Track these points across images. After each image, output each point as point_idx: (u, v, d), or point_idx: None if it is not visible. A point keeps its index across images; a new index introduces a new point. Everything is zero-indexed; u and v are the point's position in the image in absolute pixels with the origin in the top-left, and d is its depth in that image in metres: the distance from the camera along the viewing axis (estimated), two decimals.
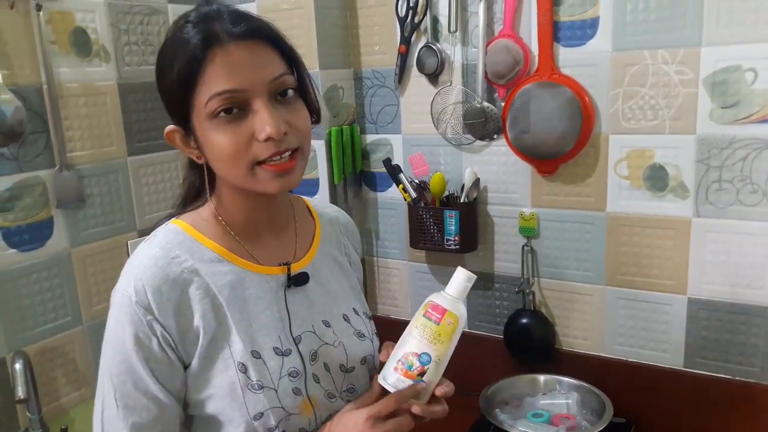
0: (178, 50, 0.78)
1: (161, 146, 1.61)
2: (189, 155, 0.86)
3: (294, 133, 0.80)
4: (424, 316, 0.83)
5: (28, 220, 1.34)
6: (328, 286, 0.94)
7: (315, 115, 0.88)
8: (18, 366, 1.23)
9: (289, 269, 0.89)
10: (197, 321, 0.81)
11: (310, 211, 1.01)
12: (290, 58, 0.83)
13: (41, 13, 1.32)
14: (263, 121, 0.77)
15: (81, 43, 1.42)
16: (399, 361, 0.82)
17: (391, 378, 0.82)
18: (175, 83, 0.79)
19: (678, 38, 1.34)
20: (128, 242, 1.53)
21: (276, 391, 0.83)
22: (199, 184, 0.91)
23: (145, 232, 1.57)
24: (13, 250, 1.31)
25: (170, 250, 0.83)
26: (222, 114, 0.77)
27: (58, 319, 1.40)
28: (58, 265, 1.39)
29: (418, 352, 0.81)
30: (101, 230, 1.48)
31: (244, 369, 0.81)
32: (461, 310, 0.83)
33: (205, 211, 0.88)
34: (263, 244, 0.90)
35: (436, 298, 0.84)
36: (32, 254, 1.35)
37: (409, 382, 0.81)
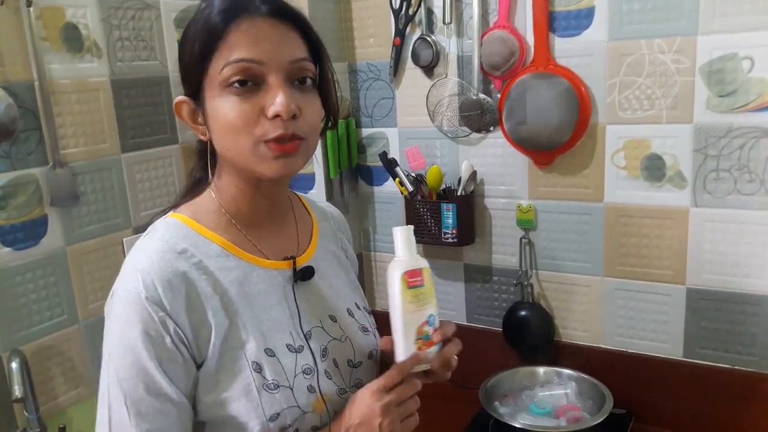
0: (204, 19, 0.78)
1: (155, 142, 1.60)
2: (194, 131, 0.84)
3: (302, 121, 0.78)
4: (409, 288, 0.82)
5: (22, 218, 1.32)
6: (330, 281, 0.93)
7: (332, 118, 0.87)
8: (14, 365, 1.22)
9: (294, 263, 0.87)
10: (209, 318, 0.78)
11: (304, 206, 1.00)
12: (316, 50, 0.82)
13: (31, 8, 1.30)
14: (274, 96, 0.75)
15: (72, 38, 1.40)
16: (418, 339, 0.82)
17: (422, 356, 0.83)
18: (195, 51, 0.77)
19: (674, 27, 1.33)
20: (123, 239, 1.52)
21: (292, 389, 0.80)
22: (199, 175, 0.89)
23: (140, 229, 1.56)
24: (8, 249, 1.30)
25: (176, 244, 0.79)
26: (236, 84, 0.75)
27: (53, 318, 1.39)
28: (53, 264, 1.38)
29: (426, 320, 0.82)
30: (96, 228, 1.46)
31: (259, 369, 0.79)
32: (424, 261, 0.84)
33: (206, 200, 0.86)
34: (266, 236, 0.87)
35: (402, 267, 0.83)
36: (27, 252, 1.33)
37: (435, 349, 0.83)
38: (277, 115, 0.75)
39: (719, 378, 1.43)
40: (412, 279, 0.82)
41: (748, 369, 1.40)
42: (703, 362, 1.45)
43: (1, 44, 1.28)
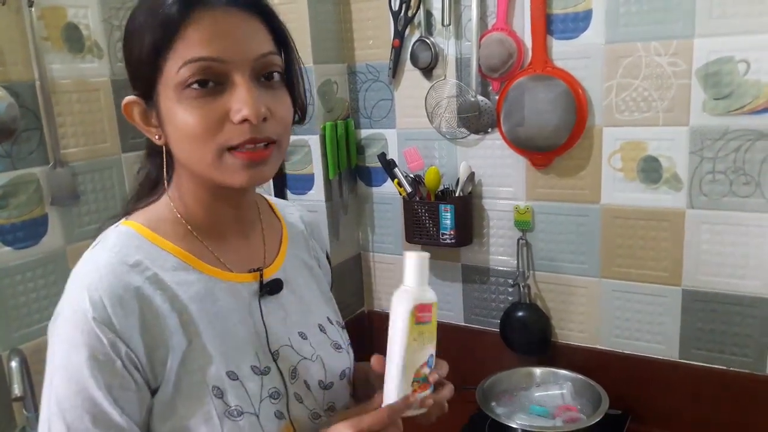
0: (154, 9, 0.68)
1: None
2: (146, 134, 0.74)
3: (273, 123, 0.70)
4: (416, 323, 0.73)
5: (23, 217, 1.33)
6: (300, 294, 0.85)
7: (300, 112, 0.78)
8: (14, 364, 1.22)
9: (261, 276, 0.79)
10: (166, 339, 0.70)
11: (273, 211, 0.91)
12: (281, 40, 0.75)
13: (33, 9, 1.31)
14: (241, 100, 0.67)
15: (73, 39, 1.41)
16: (414, 381, 0.74)
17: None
18: (144, 44, 0.68)
19: (670, 30, 1.34)
20: None
21: (257, 416, 0.73)
22: (155, 175, 0.80)
23: None
24: (8, 248, 1.31)
25: (127, 256, 0.71)
26: (195, 86, 0.67)
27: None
28: (53, 263, 1.39)
29: (425, 360, 0.75)
30: (96, 227, 1.47)
31: (220, 394, 0.71)
32: (433, 293, 0.75)
33: (162, 207, 0.77)
34: (230, 247, 0.79)
35: (413, 299, 0.73)
36: (27, 252, 1.34)
37: (428, 392, 0.75)
38: (245, 120, 0.67)
39: (715, 379, 1.43)
40: (421, 314, 0.73)
41: (744, 370, 1.41)
42: (698, 363, 1.46)
43: (3, 44, 1.28)
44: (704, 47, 1.32)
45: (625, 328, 1.53)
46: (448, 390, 0.78)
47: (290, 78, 0.75)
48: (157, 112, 0.72)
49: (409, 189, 1.66)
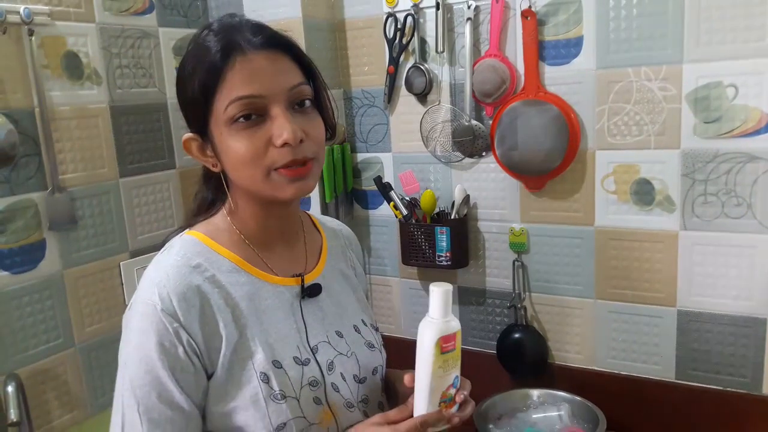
0: (200, 58, 0.81)
1: (153, 167, 1.62)
2: (204, 163, 0.87)
3: (309, 143, 0.82)
4: (442, 353, 0.80)
5: (21, 242, 1.34)
6: (338, 298, 0.96)
7: (330, 130, 0.90)
8: (10, 389, 1.22)
9: (302, 280, 0.91)
10: (221, 330, 0.81)
11: (315, 225, 1.03)
12: (308, 71, 0.86)
13: (33, 37, 1.33)
14: (281, 126, 0.79)
15: (73, 66, 1.43)
16: (441, 402, 0.82)
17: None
18: (195, 90, 0.81)
19: (660, 56, 1.37)
20: (121, 263, 1.54)
21: (298, 400, 0.83)
22: (212, 198, 0.92)
23: (137, 253, 1.58)
24: (6, 273, 1.31)
25: (191, 259, 0.83)
26: (241, 120, 0.79)
27: (50, 341, 1.39)
28: (50, 287, 1.39)
29: (451, 382, 0.83)
30: (93, 252, 1.48)
31: (266, 379, 0.82)
32: (458, 324, 0.83)
33: (219, 220, 0.90)
34: (276, 254, 0.91)
35: (438, 330, 0.80)
36: (24, 276, 1.35)
37: (454, 409, 0.84)
38: (285, 143, 0.79)
39: (711, 399, 1.44)
40: (446, 344, 0.81)
41: (740, 390, 1.41)
42: (695, 384, 1.46)
43: (3, 72, 1.30)
44: (693, 72, 1.34)
45: (621, 350, 1.54)
46: (470, 407, 0.88)
47: (320, 102, 0.87)
48: (212, 144, 0.84)
49: (405, 212, 1.68)
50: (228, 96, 0.79)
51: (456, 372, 0.83)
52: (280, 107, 0.80)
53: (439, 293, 0.81)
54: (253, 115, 0.79)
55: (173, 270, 0.81)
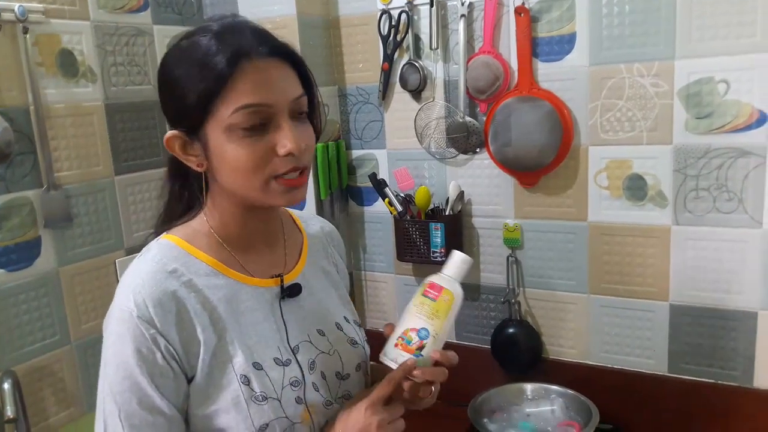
0: (200, 60, 0.79)
1: (148, 165, 1.63)
2: (187, 162, 0.86)
3: (306, 153, 0.83)
4: (422, 294, 0.87)
5: (16, 239, 1.34)
6: (319, 296, 0.96)
7: (317, 135, 0.91)
8: (6, 386, 1.23)
9: (282, 281, 0.91)
10: (198, 335, 0.81)
11: (295, 223, 1.02)
12: (306, 81, 0.86)
13: (28, 35, 1.33)
14: (286, 136, 0.80)
15: (67, 64, 1.43)
16: (399, 337, 0.86)
17: (392, 353, 0.86)
18: (193, 91, 0.79)
19: (652, 52, 1.38)
20: (116, 261, 1.54)
21: (279, 401, 0.83)
22: (187, 196, 0.91)
23: (133, 250, 1.58)
24: (1, 270, 1.32)
25: (166, 264, 0.83)
26: (246, 127, 0.79)
27: (46, 339, 1.40)
28: (46, 285, 1.39)
29: (417, 328, 0.86)
30: (89, 249, 1.48)
31: (246, 381, 0.82)
32: (457, 289, 0.88)
33: (198, 223, 0.89)
34: (255, 256, 0.91)
35: (434, 277, 0.89)
36: (20, 274, 1.35)
37: (407, 356, 0.85)
38: (289, 153, 0.80)
39: (703, 393, 1.45)
40: (430, 289, 0.88)
41: (731, 383, 1.43)
42: (687, 377, 1.47)
43: None
44: (685, 68, 1.35)
45: (615, 344, 1.55)
46: (441, 372, 0.86)
47: (313, 112, 0.89)
48: (203, 145, 0.82)
49: (399, 208, 1.69)
50: (235, 102, 0.78)
51: (426, 325, 0.86)
52: (285, 117, 0.81)
53: (458, 255, 0.89)
54: (259, 123, 0.79)
55: (149, 276, 0.81)
